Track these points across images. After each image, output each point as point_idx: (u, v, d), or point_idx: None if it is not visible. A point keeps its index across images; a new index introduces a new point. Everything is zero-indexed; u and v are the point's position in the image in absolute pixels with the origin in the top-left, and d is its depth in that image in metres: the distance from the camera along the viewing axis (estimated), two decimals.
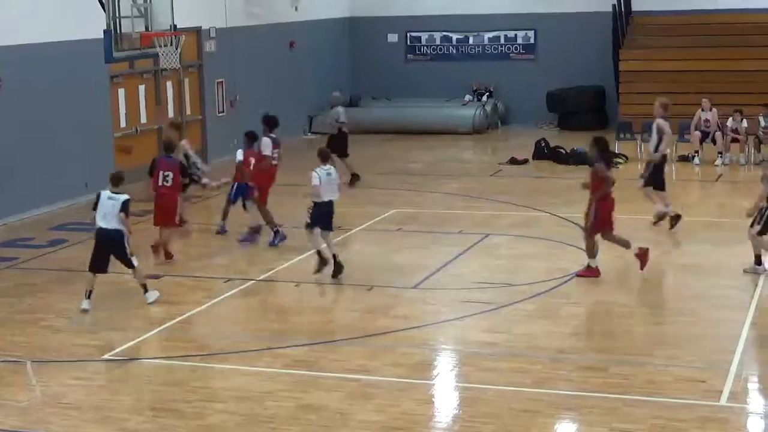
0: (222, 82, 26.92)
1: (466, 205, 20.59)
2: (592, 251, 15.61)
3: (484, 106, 30.85)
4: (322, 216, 15.58)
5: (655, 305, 14.28)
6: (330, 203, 15.66)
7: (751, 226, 15.21)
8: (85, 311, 14.29)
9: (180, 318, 14.04)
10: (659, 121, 18.41)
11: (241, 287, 15.41)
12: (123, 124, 23.50)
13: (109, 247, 14.45)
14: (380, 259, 17.13)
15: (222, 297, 15.00)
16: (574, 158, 25.09)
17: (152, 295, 14.66)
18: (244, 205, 18.18)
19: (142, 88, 24.21)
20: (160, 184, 16.68)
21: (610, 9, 29.62)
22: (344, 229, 18.63)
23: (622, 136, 25.99)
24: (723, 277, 15.42)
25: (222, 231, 18.51)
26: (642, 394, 11.07)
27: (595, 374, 11.70)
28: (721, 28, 29.56)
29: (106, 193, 14.62)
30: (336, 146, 22.16)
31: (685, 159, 24.63)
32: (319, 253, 15.59)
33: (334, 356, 12.47)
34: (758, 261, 15.29)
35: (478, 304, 14.40)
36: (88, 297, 14.40)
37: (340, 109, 22.91)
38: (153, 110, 24.37)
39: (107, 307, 14.60)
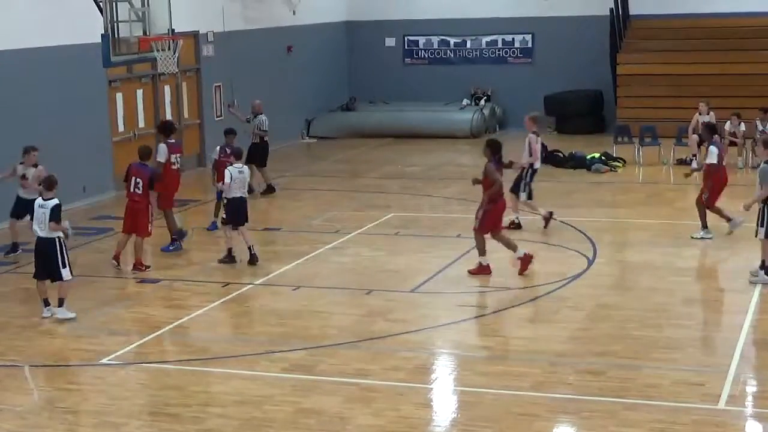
0: (220, 86, 26.92)
1: (464, 209, 20.56)
2: (482, 249, 15.95)
3: (481, 109, 30.87)
4: (234, 212, 16.72)
5: (652, 309, 14.27)
6: (240, 199, 16.70)
7: (756, 233, 15.02)
8: (45, 318, 14.18)
9: (178, 322, 14.03)
10: (530, 136, 18.86)
11: (240, 291, 15.40)
12: (121, 128, 23.50)
13: (44, 257, 14.19)
14: (378, 262, 17.13)
15: (220, 301, 14.99)
16: (572, 162, 25.12)
17: (65, 313, 14.20)
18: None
19: (140, 92, 24.22)
20: (131, 190, 16.63)
21: (607, 13, 29.65)
22: (342, 232, 18.64)
23: (619, 139, 26.00)
24: (721, 281, 15.44)
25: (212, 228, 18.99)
26: (640, 397, 11.06)
27: (593, 378, 11.70)
28: (718, 31, 29.60)
29: (38, 200, 14.37)
30: (257, 155, 22.21)
31: (683, 162, 24.64)
32: (229, 250, 16.74)
33: (333, 360, 12.47)
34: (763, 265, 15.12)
35: (476, 308, 14.41)
36: (47, 305, 14.29)
37: (264, 117, 22.68)
38: (151, 114, 24.36)
39: (105, 312, 14.59)
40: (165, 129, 18.58)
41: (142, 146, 17.30)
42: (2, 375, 12.23)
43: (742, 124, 24.43)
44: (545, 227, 18.60)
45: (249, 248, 16.67)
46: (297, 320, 14.20)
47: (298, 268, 16.70)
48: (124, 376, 12.21)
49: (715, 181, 17.73)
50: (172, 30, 19.41)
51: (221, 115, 26.94)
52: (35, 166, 17.13)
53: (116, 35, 18.44)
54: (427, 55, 32.75)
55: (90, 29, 19.26)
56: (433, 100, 31.35)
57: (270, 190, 22.52)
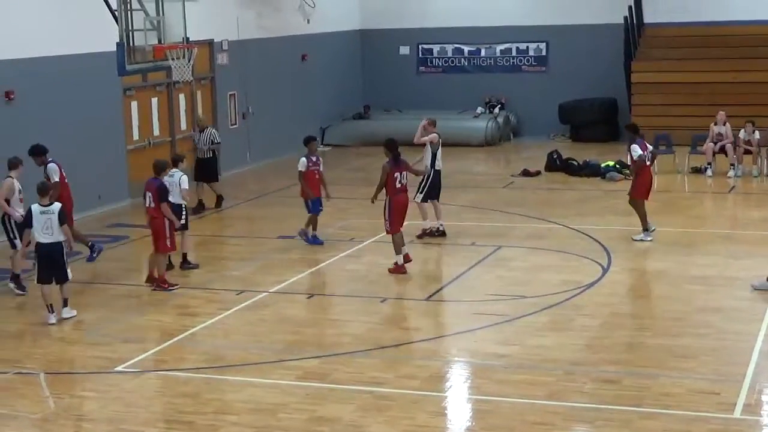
0: (234, 94, 26.98)
1: (478, 217, 20.57)
2: (399, 248, 16.51)
3: (496, 118, 30.85)
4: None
5: (668, 317, 14.24)
6: (178, 206, 16.64)
7: None
8: (52, 324, 14.35)
9: (193, 330, 14.06)
10: (432, 136, 19.19)
11: (254, 299, 15.41)
12: (136, 136, 23.57)
13: (51, 261, 14.56)
14: None
15: (235, 309, 15.01)
16: (587, 170, 25.09)
17: (70, 311, 14.66)
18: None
19: (154, 100, 24.29)
20: (146, 205, 16.39)
21: (621, 21, 29.61)
22: (357, 240, 18.65)
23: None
24: (736, 289, 15.39)
25: (304, 237, 18.63)
26: (656, 406, 11.03)
27: (609, 386, 11.67)
28: (732, 39, 29.52)
29: (37, 208, 14.62)
30: (210, 170, 22.08)
31: (698, 171, 24.61)
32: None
33: (347, 368, 12.46)
34: None
35: (491, 316, 14.38)
36: (52, 311, 14.45)
37: (214, 130, 22.57)
38: (166, 122, 24.43)
39: (120, 320, 14.63)
40: (38, 152, 17.50)
41: (156, 160, 17.06)
42: (18, 382, 12.26)
43: (757, 132, 24.36)
44: (418, 236, 18.57)
45: (184, 255, 17.19)
46: (311, 328, 14.21)
47: (312, 276, 16.72)
48: (140, 383, 12.23)
49: (640, 177, 18.37)
50: (187, 38, 19.46)
51: (236, 123, 27.01)
52: None
53: (131, 44, 18.50)
54: (441, 64, 32.77)
55: (105, 38, 19.32)
56: (447, 108, 31.30)
57: (220, 200, 22.35)
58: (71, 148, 20.91)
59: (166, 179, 16.56)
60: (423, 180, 18.79)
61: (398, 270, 16.52)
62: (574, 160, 25.72)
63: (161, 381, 12.33)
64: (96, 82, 21.52)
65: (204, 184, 22.04)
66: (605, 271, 16.51)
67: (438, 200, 19.00)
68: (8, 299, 15.82)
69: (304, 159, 18.49)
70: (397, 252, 16.57)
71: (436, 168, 18.98)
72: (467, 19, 31.89)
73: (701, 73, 28.95)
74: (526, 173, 25.46)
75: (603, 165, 25.02)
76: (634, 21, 30.19)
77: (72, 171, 20.96)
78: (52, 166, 17.26)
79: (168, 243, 16.11)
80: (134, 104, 23.52)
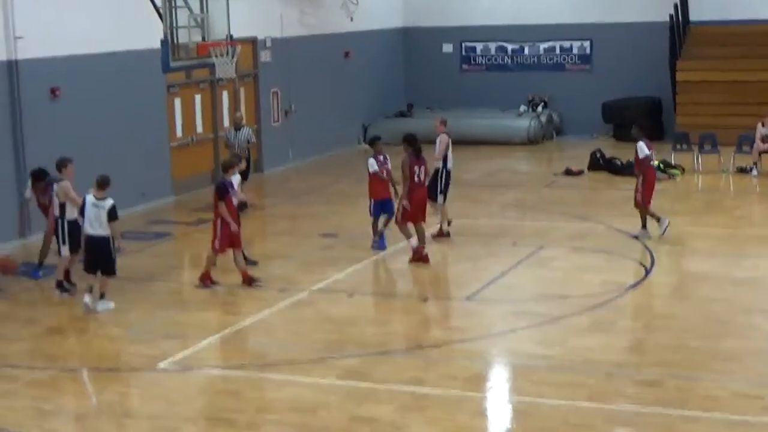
0: (277, 91, 27.04)
1: (520, 217, 20.49)
2: (408, 234, 17.05)
3: (539, 116, 30.73)
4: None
5: (712, 319, 14.12)
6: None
7: None
8: (86, 305, 14.68)
9: (235, 328, 14.09)
10: (441, 136, 19.05)
11: (296, 297, 15.44)
12: (179, 133, 23.68)
13: (99, 253, 14.72)
14: (434, 270, 17.10)
15: (276, 307, 15.03)
16: (630, 169, 24.88)
17: (107, 304, 14.85)
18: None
19: (198, 97, 24.39)
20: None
21: (667, 19, 29.39)
22: (399, 239, 18.60)
23: (678, 147, 25.76)
24: None
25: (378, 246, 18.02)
26: (699, 409, 10.94)
27: (651, 389, 11.59)
28: None
29: (90, 198, 14.79)
30: (245, 170, 21.95)
31: (743, 171, 24.38)
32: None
33: (388, 368, 12.45)
34: None
35: (532, 317, 14.32)
36: (90, 291, 14.81)
37: (250, 129, 22.43)
38: (209, 119, 24.54)
39: (162, 317, 14.70)
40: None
41: (223, 159, 16.85)
42: (60, 379, 12.36)
43: None
44: (434, 236, 18.47)
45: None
46: (352, 327, 14.21)
47: (354, 275, 16.71)
48: (181, 380, 12.28)
49: (647, 176, 18.39)
50: (231, 36, 19.53)
51: (278, 121, 27.08)
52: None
53: (175, 41, 18.59)
54: (484, 62, 32.68)
55: (150, 35, 19.43)
56: (490, 106, 31.24)
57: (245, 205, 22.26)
58: (115, 145, 21.08)
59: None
60: (440, 182, 18.67)
61: (415, 255, 16.82)
62: (617, 159, 25.56)
63: (203, 378, 12.38)
64: (140, 79, 21.65)
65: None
66: (648, 272, 16.39)
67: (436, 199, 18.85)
68: (51, 295, 15.93)
69: (372, 159, 17.95)
70: (408, 237, 16.96)
71: (448, 168, 18.92)
72: (511, 17, 31.79)
73: (747, 72, 28.67)
74: (568, 172, 25.34)
75: None
76: (680, 19, 29.94)
77: (115, 167, 21.16)
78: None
79: (216, 244, 15.82)
80: (177, 101, 23.63)
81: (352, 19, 29.21)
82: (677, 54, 29.63)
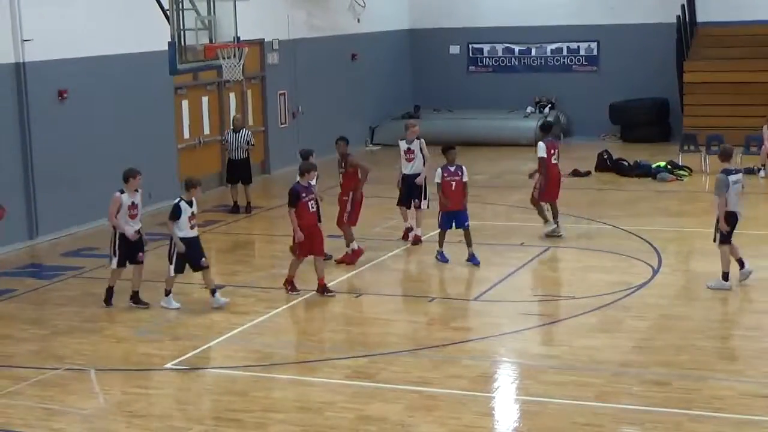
0: (284, 93, 27.07)
1: (527, 217, 20.48)
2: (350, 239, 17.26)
3: (546, 117, 30.70)
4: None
5: (719, 319, 14.11)
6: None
7: None
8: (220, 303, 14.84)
9: (242, 328, 14.12)
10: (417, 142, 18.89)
11: (303, 297, 15.45)
12: (186, 135, 23.72)
13: (196, 253, 14.90)
14: (441, 270, 17.11)
15: (284, 307, 15.07)
16: (638, 170, 24.92)
17: (171, 302, 15.04)
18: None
19: (205, 99, 24.43)
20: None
21: (674, 20, 29.37)
22: (402, 242, 18.62)
23: (685, 148, 25.74)
24: None
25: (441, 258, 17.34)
26: (706, 409, 10.93)
27: (658, 388, 11.58)
28: None
29: (184, 203, 15.00)
30: (244, 171, 21.92)
31: (750, 172, 24.34)
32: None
33: (395, 368, 12.46)
34: None
35: (539, 317, 14.33)
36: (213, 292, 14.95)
37: (249, 131, 22.42)
38: (216, 121, 24.58)
39: (170, 317, 14.73)
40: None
41: (301, 163, 16.48)
42: (69, 378, 12.39)
43: None
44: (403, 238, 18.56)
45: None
46: (359, 327, 14.23)
47: (360, 275, 16.72)
48: (189, 380, 12.31)
49: (547, 176, 18.57)
50: (238, 38, 19.55)
51: (285, 123, 27.11)
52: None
53: (183, 43, 18.60)
54: (491, 63, 32.68)
55: (157, 37, 19.46)
56: (497, 107, 31.25)
57: (250, 207, 22.02)
58: (122, 147, 21.11)
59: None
60: (423, 188, 18.52)
61: (351, 258, 17.16)
62: (624, 160, 25.56)
63: (210, 378, 12.41)
64: (147, 82, 21.69)
65: (238, 185, 21.96)
66: (655, 272, 16.39)
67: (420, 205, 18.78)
68: (60, 296, 15.98)
69: (440, 170, 17.25)
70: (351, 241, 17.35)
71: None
72: (517, 19, 31.79)
73: (755, 73, 28.64)
74: (576, 173, 25.34)
75: (654, 165, 24.84)
76: (687, 20, 29.91)
77: (123, 169, 21.17)
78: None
79: (295, 249, 15.51)
80: (185, 103, 23.68)
81: (359, 21, 29.26)
82: (684, 55, 29.61)
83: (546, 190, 18.69)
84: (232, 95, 25.25)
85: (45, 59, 19.39)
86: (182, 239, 14.82)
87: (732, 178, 15.32)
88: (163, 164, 22.51)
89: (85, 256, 18.36)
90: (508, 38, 32.24)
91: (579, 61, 31.86)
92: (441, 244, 17.29)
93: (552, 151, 18.67)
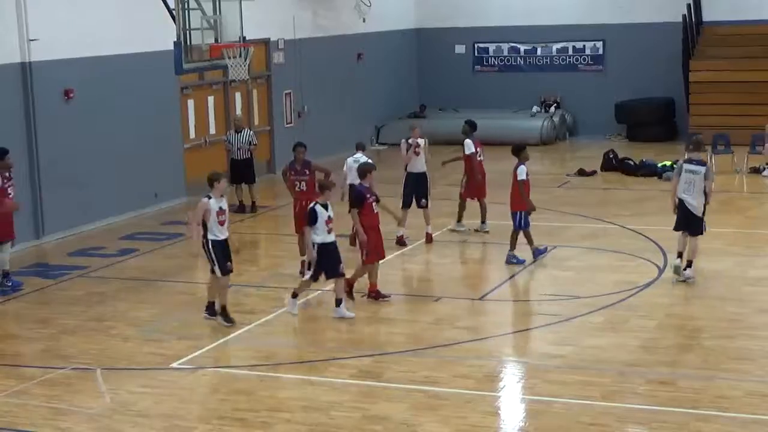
0: (290, 93, 27.08)
1: (533, 217, 20.41)
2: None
3: (551, 117, 30.71)
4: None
5: (725, 318, 14.08)
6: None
7: None
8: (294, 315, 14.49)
9: (247, 327, 14.12)
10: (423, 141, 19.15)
11: (309, 297, 15.45)
12: (192, 135, 23.73)
13: (335, 257, 14.41)
14: (447, 270, 17.11)
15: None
16: (643, 170, 24.89)
17: (344, 312, 14.42)
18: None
19: (211, 99, 24.44)
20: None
21: (680, 19, 29.32)
22: (411, 239, 18.62)
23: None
24: None
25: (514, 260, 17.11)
26: (712, 408, 10.92)
27: (664, 388, 11.57)
28: None
29: (320, 207, 14.31)
30: (249, 172, 21.87)
31: (756, 171, 24.31)
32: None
33: (400, 367, 12.46)
34: None
35: (545, 316, 14.31)
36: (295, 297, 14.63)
37: (252, 131, 22.38)
38: (222, 121, 24.60)
39: (175, 317, 14.74)
40: None
41: (360, 164, 16.17)
42: (75, 378, 12.40)
43: None
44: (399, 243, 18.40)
45: None
46: (365, 327, 14.22)
47: (367, 276, 16.69)
48: (194, 380, 12.32)
49: (468, 173, 18.93)
50: (244, 37, 19.56)
51: (291, 122, 27.11)
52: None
53: (188, 43, 18.62)
54: (496, 63, 32.66)
55: (163, 37, 19.47)
56: (502, 107, 31.22)
57: (255, 206, 22.00)
58: (128, 147, 21.15)
59: (351, 163, 17.54)
60: (428, 186, 18.78)
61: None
62: (630, 159, 25.53)
63: (216, 378, 12.41)
64: (153, 81, 21.70)
65: (242, 185, 21.96)
66: (661, 271, 16.36)
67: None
68: (66, 296, 16.00)
69: (523, 167, 17.19)
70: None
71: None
72: (523, 18, 31.75)
73: (761, 72, 28.58)
74: (581, 173, 25.32)
75: (660, 165, 24.80)
76: (693, 19, 29.87)
77: (129, 169, 21.27)
78: None
79: (363, 255, 15.13)
80: (191, 103, 23.69)
81: (364, 21, 29.26)
82: (690, 54, 29.57)
83: (470, 187, 19.05)
84: (237, 95, 25.25)
85: (51, 59, 19.41)
86: (321, 245, 14.21)
87: (687, 166, 15.78)
88: (168, 164, 22.53)
89: (91, 256, 18.38)
90: (514, 38, 32.21)
91: (585, 60, 31.83)
92: (531, 243, 17.22)
93: (477, 149, 18.95)
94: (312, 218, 14.23)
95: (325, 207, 14.34)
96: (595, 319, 14.11)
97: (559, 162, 28.20)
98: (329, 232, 14.30)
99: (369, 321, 14.48)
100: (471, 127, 19.36)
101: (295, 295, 14.63)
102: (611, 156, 25.86)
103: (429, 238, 18.54)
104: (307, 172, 16.78)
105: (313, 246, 14.25)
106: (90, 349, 13.45)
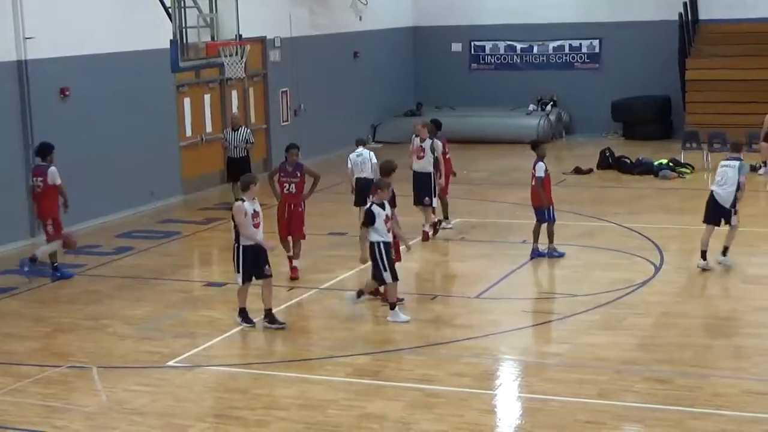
0: (286, 91, 27.07)
1: (529, 215, 20.45)
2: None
3: (548, 115, 30.71)
4: None
5: (721, 317, 14.10)
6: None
7: None
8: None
9: (244, 326, 14.09)
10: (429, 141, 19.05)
11: (305, 295, 15.45)
12: (188, 132, 23.72)
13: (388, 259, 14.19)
14: (443, 268, 17.11)
15: (286, 305, 15.05)
16: (640, 168, 24.91)
17: (400, 316, 14.17)
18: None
19: (207, 97, 24.43)
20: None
21: (676, 18, 29.35)
22: (408, 238, 18.59)
23: (687, 145, 25.74)
24: None
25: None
26: (708, 406, 10.92)
27: (660, 386, 11.58)
28: None
29: (377, 207, 14.08)
30: (244, 169, 21.58)
31: (753, 169, 24.30)
32: None
33: (397, 365, 12.47)
34: None
35: (542, 314, 14.32)
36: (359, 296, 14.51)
37: (248, 129, 22.35)
38: (218, 119, 24.59)
39: (171, 315, 14.73)
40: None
41: (383, 162, 15.91)
42: (71, 376, 12.39)
43: None
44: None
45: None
46: (361, 325, 14.22)
47: (362, 273, 16.69)
48: (191, 378, 12.31)
49: (445, 171, 19.22)
50: (240, 35, 19.57)
51: (288, 120, 27.10)
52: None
53: (185, 41, 18.63)
54: (493, 61, 32.66)
55: (159, 35, 19.48)
56: (499, 105, 31.25)
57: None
58: (124, 145, 21.15)
59: (354, 158, 18.16)
60: (433, 186, 18.76)
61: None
62: (626, 158, 25.55)
63: (212, 376, 12.40)
64: (149, 79, 21.69)
65: (238, 183, 21.88)
66: (657, 269, 16.38)
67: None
68: (60, 293, 15.98)
69: (542, 163, 17.19)
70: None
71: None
72: (519, 16, 31.77)
73: (757, 70, 28.62)
74: (578, 171, 25.33)
75: (656, 163, 24.83)
76: (689, 17, 29.90)
77: (125, 167, 21.26)
78: (53, 169, 16.62)
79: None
80: (187, 101, 23.68)
81: (361, 19, 29.25)
82: (687, 52, 29.60)
83: (447, 184, 19.37)
84: (234, 93, 25.24)
85: (47, 57, 19.40)
86: (385, 243, 14.00)
87: (723, 162, 16.35)
88: (165, 162, 22.53)
89: (87, 254, 18.35)
90: (510, 36, 32.23)
91: (581, 58, 31.85)
92: (551, 239, 17.27)
93: (446, 148, 19.22)
94: (371, 218, 14.02)
95: (382, 206, 14.11)
96: (591, 317, 14.12)
97: (555, 160, 28.11)
98: (388, 231, 14.15)
99: (365, 319, 14.47)
100: (437, 127, 19.36)
101: (393, 306, 14.21)
102: (607, 154, 25.87)
103: (426, 237, 18.55)
104: (299, 175, 16.67)
105: (370, 245, 14.01)
106: (86, 348, 13.44)
